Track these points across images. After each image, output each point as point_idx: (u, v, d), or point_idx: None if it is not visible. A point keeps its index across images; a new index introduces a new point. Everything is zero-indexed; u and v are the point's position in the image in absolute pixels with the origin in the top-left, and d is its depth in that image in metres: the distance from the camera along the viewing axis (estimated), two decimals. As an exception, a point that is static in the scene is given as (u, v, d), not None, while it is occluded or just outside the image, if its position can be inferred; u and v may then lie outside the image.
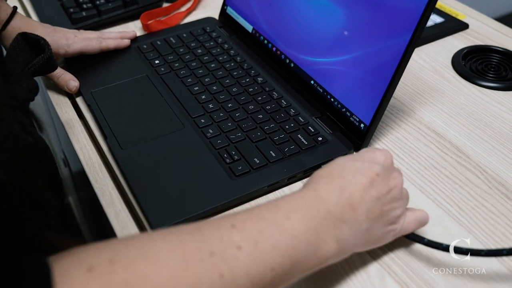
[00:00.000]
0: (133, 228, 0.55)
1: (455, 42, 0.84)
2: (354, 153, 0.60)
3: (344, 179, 0.45)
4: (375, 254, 0.51)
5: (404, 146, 0.64)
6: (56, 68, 0.56)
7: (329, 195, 0.44)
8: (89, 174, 0.61)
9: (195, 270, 0.35)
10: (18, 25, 0.70)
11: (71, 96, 0.73)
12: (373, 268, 0.50)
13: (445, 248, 0.48)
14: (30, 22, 0.73)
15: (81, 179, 0.80)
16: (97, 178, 0.60)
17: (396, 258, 0.51)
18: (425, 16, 0.54)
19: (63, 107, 0.71)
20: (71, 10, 0.86)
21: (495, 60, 0.79)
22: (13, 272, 0.30)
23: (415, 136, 0.66)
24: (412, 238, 0.50)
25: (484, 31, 0.86)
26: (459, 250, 0.48)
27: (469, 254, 0.47)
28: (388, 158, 0.49)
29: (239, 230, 0.39)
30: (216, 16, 0.89)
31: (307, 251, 0.41)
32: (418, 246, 0.52)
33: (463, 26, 0.86)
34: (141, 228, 0.55)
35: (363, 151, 0.50)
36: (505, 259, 0.50)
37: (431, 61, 0.79)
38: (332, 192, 0.44)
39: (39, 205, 0.37)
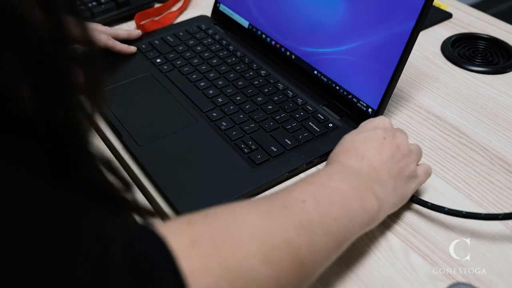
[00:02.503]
0: (158, 223, 0.55)
1: (441, 31, 0.87)
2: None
3: (358, 148, 0.51)
4: (396, 231, 0.54)
5: (408, 130, 0.67)
6: None
7: (353, 163, 0.49)
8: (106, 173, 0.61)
9: (279, 218, 0.39)
10: None
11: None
12: (396, 245, 0.53)
13: (465, 215, 0.52)
14: None
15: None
16: (115, 176, 0.61)
17: (417, 234, 0.54)
18: (428, 2, 0.57)
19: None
20: (64, 12, 0.86)
21: (481, 47, 0.83)
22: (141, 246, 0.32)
23: (417, 120, 0.69)
24: (433, 207, 0.53)
25: (467, 20, 0.90)
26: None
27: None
28: (387, 122, 0.55)
29: (296, 192, 0.43)
30: (208, 14, 0.90)
31: (356, 205, 0.45)
32: (436, 222, 0.55)
33: (447, 15, 0.90)
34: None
35: (363, 124, 0.56)
36: (517, 228, 0.54)
37: (422, 50, 0.83)
38: (354, 161, 0.49)
39: None
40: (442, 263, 0.51)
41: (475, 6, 0.97)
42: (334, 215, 0.43)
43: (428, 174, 0.56)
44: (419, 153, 0.55)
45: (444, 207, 0.54)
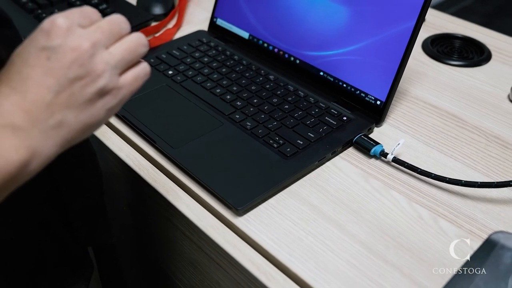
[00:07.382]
0: (208, 216, 0.59)
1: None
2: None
3: (12, 77, 0.38)
4: (421, 203, 0.60)
5: (411, 119, 0.74)
6: None
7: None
8: (146, 177, 0.65)
9: None
10: None
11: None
12: (426, 214, 0.59)
13: (480, 185, 0.59)
14: None
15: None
16: (155, 179, 0.64)
17: (441, 204, 0.60)
18: (428, 1, 0.65)
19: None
20: (66, 34, 0.88)
21: (457, 45, 0.93)
22: None
23: (417, 110, 0.76)
24: (450, 181, 0.60)
25: (439, 22, 1.00)
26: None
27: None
28: (56, 26, 0.38)
29: None
30: (204, 29, 0.95)
31: None
32: (454, 192, 0.62)
33: (421, 19, 1.00)
34: (214, 214, 0.60)
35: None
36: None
37: (406, 50, 0.91)
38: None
39: None
40: (468, 225, 0.58)
41: (435, 7, 1.08)
42: None
43: (139, 77, 0.43)
44: (120, 58, 0.41)
45: (461, 180, 0.61)
